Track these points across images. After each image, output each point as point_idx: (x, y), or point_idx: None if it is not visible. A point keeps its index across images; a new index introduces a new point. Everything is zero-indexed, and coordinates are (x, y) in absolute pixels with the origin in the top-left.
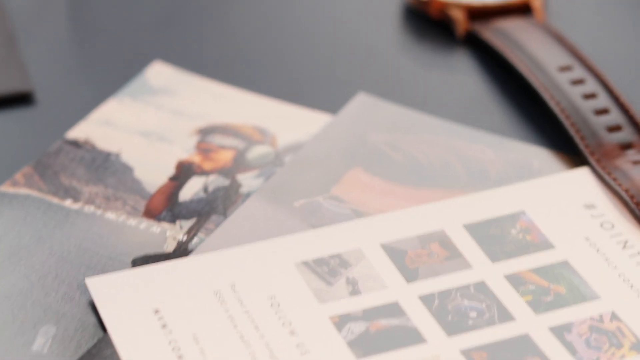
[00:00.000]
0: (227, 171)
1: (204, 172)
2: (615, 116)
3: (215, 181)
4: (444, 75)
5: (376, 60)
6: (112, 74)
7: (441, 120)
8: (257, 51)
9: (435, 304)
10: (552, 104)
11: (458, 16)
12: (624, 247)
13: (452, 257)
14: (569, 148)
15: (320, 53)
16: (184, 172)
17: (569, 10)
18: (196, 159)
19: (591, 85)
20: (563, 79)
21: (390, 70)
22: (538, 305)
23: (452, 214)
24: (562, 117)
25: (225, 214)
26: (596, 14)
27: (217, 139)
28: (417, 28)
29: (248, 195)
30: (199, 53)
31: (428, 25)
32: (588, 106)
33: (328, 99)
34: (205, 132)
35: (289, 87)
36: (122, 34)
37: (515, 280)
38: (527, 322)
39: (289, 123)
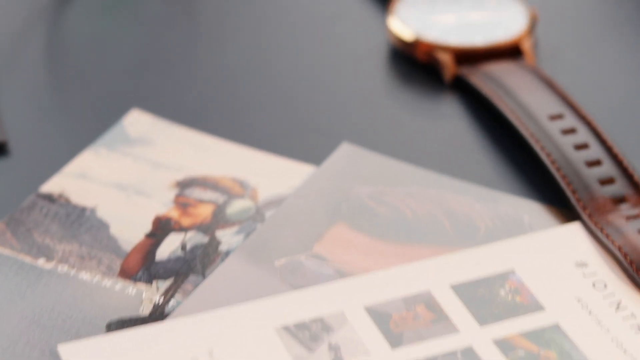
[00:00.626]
0: (206, 227)
1: (182, 229)
2: (607, 168)
3: (193, 238)
4: (431, 122)
5: (361, 106)
6: (88, 123)
7: (428, 171)
8: (238, 99)
9: None
10: (542, 155)
11: (445, 60)
12: (617, 308)
13: (439, 320)
14: (560, 201)
15: (303, 100)
16: (161, 228)
17: (559, 53)
18: (174, 214)
19: (583, 135)
20: (554, 128)
21: (375, 117)
22: None
23: (438, 274)
24: (552, 169)
25: (203, 274)
26: (587, 57)
27: (195, 193)
28: (403, 71)
29: (227, 253)
30: (177, 100)
31: (415, 68)
32: (579, 157)
33: (311, 149)
34: (183, 185)
35: (270, 137)
36: (99, 81)
37: (505, 346)
38: None
39: (270, 175)
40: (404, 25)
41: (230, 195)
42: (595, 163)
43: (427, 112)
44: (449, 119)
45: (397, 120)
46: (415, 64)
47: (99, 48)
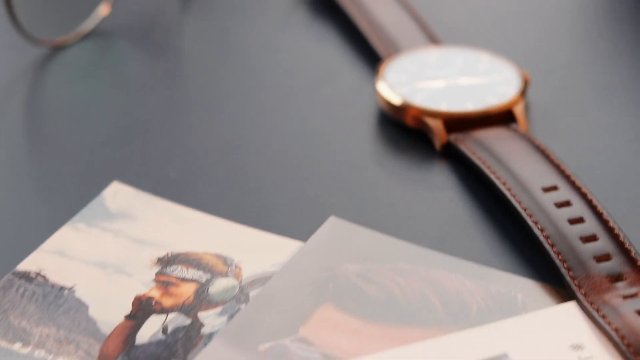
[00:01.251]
0: (188, 308)
1: (163, 310)
2: (603, 243)
3: (175, 320)
4: (422, 192)
5: (349, 176)
6: (67, 196)
7: (418, 246)
8: (221, 170)
9: None
10: (536, 230)
11: (435, 126)
12: None
13: None
14: (555, 278)
15: (289, 170)
16: (142, 309)
17: (552, 117)
18: (155, 293)
19: (578, 208)
20: (548, 200)
21: (363, 187)
22: None
23: (429, 359)
24: (547, 244)
25: (185, 359)
26: (581, 122)
27: (178, 271)
28: (392, 137)
29: (210, 336)
30: (159, 171)
31: (404, 133)
32: (574, 232)
33: (297, 223)
34: (165, 262)
35: (255, 210)
36: (78, 150)
37: None
38: None
39: (254, 251)
40: (392, 89)
41: (214, 273)
42: (591, 238)
43: (417, 182)
44: (440, 189)
45: (386, 190)
46: (405, 129)
47: (79, 114)
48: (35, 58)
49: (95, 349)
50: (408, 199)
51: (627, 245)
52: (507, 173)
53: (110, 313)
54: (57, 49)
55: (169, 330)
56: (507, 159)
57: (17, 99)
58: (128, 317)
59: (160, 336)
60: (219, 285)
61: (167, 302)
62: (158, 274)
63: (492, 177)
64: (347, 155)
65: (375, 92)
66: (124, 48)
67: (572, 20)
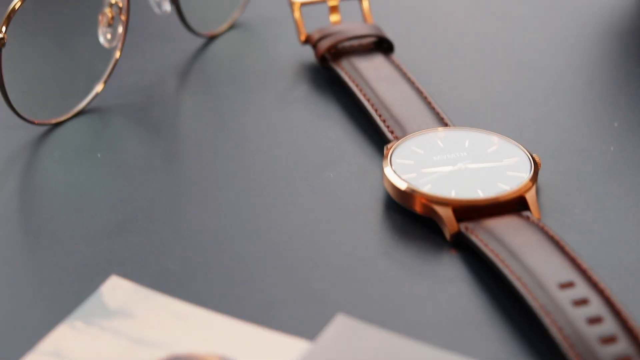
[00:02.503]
0: None
1: None
2: (624, 345)
3: None
4: (432, 286)
5: (356, 268)
6: (64, 292)
7: (430, 347)
8: (221, 262)
9: None
10: (553, 330)
11: (445, 215)
12: None
13: None
14: None
15: (294, 263)
16: None
17: (563, 203)
18: None
19: (596, 307)
20: (564, 298)
21: (371, 280)
22: None
23: None
24: (565, 345)
25: None
26: (594, 209)
27: None
28: (400, 225)
29: None
30: (159, 264)
31: (412, 221)
32: (593, 333)
33: (302, 320)
34: None
35: (257, 306)
36: (74, 242)
37: None
38: None
39: (259, 351)
40: (399, 175)
41: None
42: (610, 340)
43: (427, 275)
44: (451, 282)
45: (394, 284)
46: (413, 216)
47: (74, 201)
48: (28, 138)
49: None
50: (418, 294)
51: None
52: (521, 267)
53: None
54: (52, 128)
55: None
56: (521, 252)
57: (10, 185)
58: None
59: None
60: None
61: None
62: None
63: (506, 271)
64: (353, 245)
65: (381, 177)
66: (119, 126)
67: (582, 100)
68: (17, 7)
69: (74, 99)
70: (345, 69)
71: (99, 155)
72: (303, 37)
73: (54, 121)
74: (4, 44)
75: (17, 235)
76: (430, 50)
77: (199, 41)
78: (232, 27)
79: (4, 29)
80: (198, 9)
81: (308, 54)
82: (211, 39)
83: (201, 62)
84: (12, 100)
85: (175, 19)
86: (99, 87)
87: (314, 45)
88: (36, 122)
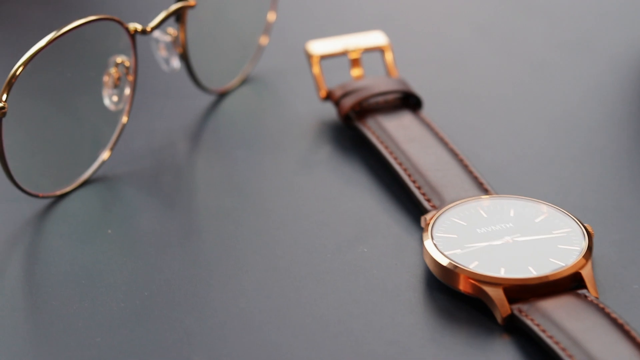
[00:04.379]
0: None
1: None
2: None
3: None
4: None
5: (401, 358)
6: None
7: None
8: (251, 353)
9: None
10: None
11: (496, 296)
12: None
13: None
14: None
15: (326, 353)
16: None
17: (620, 279)
18: None
19: None
20: None
21: None
22: None
23: None
24: None
25: None
26: None
27: None
28: (444, 307)
29: None
30: (182, 358)
31: (458, 301)
32: None
33: None
34: None
35: None
36: (86, 336)
37: None
38: None
39: None
40: (441, 250)
41: None
42: None
43: None
44: None
45: None
46: (458, 296)
47: (86, 287)
48: (31, 212)
49: None
50: None
51: None
52: (584, 356)
53: None
54: (56, 200)
55: None
56: (584, 340)
57: (14, 267)
58: None
59: None
60: None
61: None
62: None
63: None
64: (395, 331)
65: (420, 251)
66: (129, 197)
67: (628, 157)
68: (18, 73)
69: (78, 167)
70: (372, 129)
71: (109, 231)
72: (323, 94)
73: (58, 193)
74: (4, 114)
75: (25, 326)
76: (460, 103)
77: (209, 98)
78: (244, 81)
79: (4, 97)
80: (208, 64)
81: (328, 111)
82: (222, 95)
83: (213, 121)
84: (14, 172)
85: (183, 74)
86: (105, 154)
87: (337, 103)
88: (40, 195)
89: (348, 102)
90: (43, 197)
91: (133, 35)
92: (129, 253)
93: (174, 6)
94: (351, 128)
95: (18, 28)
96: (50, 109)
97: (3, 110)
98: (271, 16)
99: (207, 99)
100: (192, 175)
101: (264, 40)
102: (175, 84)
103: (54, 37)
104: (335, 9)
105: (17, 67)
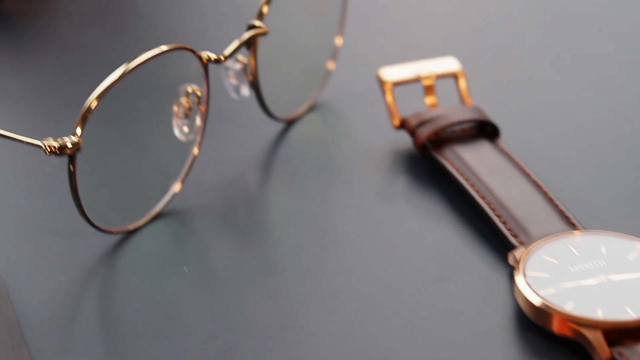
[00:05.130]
0: None
1: None
2: None
3: None
4: None
5: None
6: None
7: None
8: None
9: None
10: None
11: (595, 340)
12: None
13: None
14: None
15: None
16: None
17: None
18: None
19: None
20: None
21: None
22: None
23: None
24: None
25: None
26: None
27: None
28: (540, 350)
29: None
30: None
31: (552, 344)
32: None
33: None
34: None
35: None
36: None
37: None
38: None
39: None
40: (534, 290)
41: None
42: None
43: None
44: None
45: None
46: (552, 337)
47: (164, 328)
48: (103, 248)
49: None
50: None
51: None
52: None
53: None
54: (128, 235)
55: None
56: None
57: (88, 306)
58: None
59: None
60: None
61: None
62: None
63: None
64: None
65: (509, 289)
66: (203, 231)
67: None
68: (93, 106)
69: (149, 201)
70: (450, 160)
71: (185, 269)
72: (397, 122)
73: (131, 227)
74: (79, 149)
75: None
76: (536, 131)
77: (277, 125)
78: (311, 108)
79: (79, 131)
80: (277, 91)
81: (401, 139)
82: (290, 122)
83: (283, 150)
84: (86, 208)
85: (247, 101)
86: (176, 187)
87: (412, 132)
88: (114, 231)
89: (424, 132)
90: (117, 233)
91: (206, 64)
92: (207, 292)
93: (248, 34)
94: (427, 158)
95: (72, 51)
96: (121, 141)
97: (77, 145)
98: (338, 41)
99: (274, 127)
100: (266, 207)
101: (331, 65)
102: (240, 110)
103: (128, 70)
104: (401, 34)
105: (91, 100)
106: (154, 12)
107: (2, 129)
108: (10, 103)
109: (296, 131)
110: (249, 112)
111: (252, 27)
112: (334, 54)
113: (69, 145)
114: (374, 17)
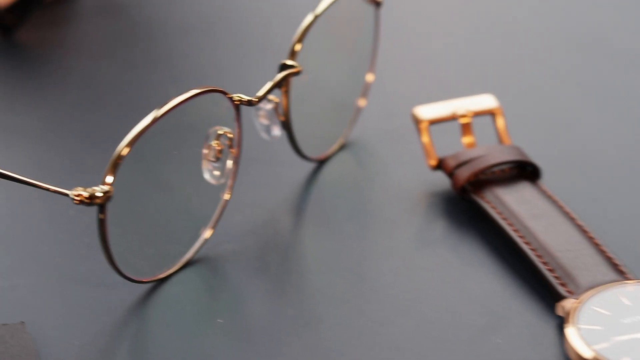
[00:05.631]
0: None
1: None
2: None
3: None
4: None
5: None
6: None
7: None
8: None
9: None
10: None
11: None
12: None
13: None
14: None
15: None
16: None
17: None
18: None
19: None
20: None
21: None
22: None
23: None
24: None
25: None
26: None
27: None
28: None
29: None
30: None
31: None
32: None
33: None
34: None
35: None
36: None
37: None
38: None
39: None
40: (587, 344)
41: None
42: None
43: None
44: None
45: None
46: None
47: None
48: (132, 298)
49: None
50: None
51: None
52: None
53: None
54: (158, 283)
55: None
56: None
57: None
58: None
59: None
60: None
61: None
62: None
63: None
64: None
65: (557, 342)
66: (236, 280)
67: None
68: (124, 153)
69: (180, 247)
70: (491, 203)
71: (220, 320)
72: (434, 163)
73: (161, 276)
74: (109, 197)
75: None
76: (577, 171)
77: (308, 165)
78: (342, 146)
79: (109, 179)
80: (308, 131)
81: (438, 179)
82: (321, 162)
83: (315, 192)
84: (116, 258)
85: (279, 141)
86: (207, 233)
87: (450, 174)
88: (145, 280)
89: (464, 174)
90: (147, 282)
91: (238, 106)
92: (244, 345)
93: (281, 75)
94: (466, 200)
95: (91, 86)
96: (150, 187)
97: (108, 194)
98: (370, 77)
99: (305, 167)
100: (300, 253)
101: (362, 102)
102: (270, 151)
103: (159, 116)
104: (432, 70)
105: (122, 147)
106: (168, 42)
107: (25, 173)
108: (30, 142)
109: (328, 171)
110: (278, 153)
111: (284, 66)
112: (365, 90)
113: (99, 195)
114: (405, 53)
